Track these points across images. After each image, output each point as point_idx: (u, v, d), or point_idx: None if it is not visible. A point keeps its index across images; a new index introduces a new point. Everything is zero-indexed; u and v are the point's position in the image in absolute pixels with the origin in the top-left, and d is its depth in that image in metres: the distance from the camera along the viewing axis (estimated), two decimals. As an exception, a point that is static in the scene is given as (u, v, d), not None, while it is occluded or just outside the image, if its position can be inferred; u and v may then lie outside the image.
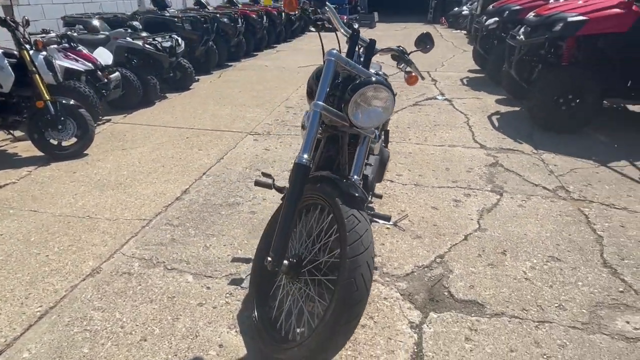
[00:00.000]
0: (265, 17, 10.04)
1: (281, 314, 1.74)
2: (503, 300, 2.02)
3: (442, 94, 6.04)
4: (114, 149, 3.97)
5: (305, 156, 1.63)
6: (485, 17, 6.95)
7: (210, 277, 2.20)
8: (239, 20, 8.40)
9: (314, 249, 1.67)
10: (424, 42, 2.14)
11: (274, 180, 2.33)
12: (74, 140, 3.74)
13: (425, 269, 2.27)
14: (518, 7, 6.16)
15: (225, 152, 3.89)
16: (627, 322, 1.89)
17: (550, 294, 2.06)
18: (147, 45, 5.31)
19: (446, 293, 2.08)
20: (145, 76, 5.23)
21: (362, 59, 1.94)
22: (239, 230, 2.62)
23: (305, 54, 10.05)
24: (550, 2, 5.95)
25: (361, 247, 1.40)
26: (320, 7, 1.84)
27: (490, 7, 7.06)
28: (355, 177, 1.85)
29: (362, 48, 1.97)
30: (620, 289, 2.10)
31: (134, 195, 3.07)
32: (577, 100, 4.20)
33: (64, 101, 3.64)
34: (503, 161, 3.68)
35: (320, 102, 1.68)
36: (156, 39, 5.52)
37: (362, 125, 1.73)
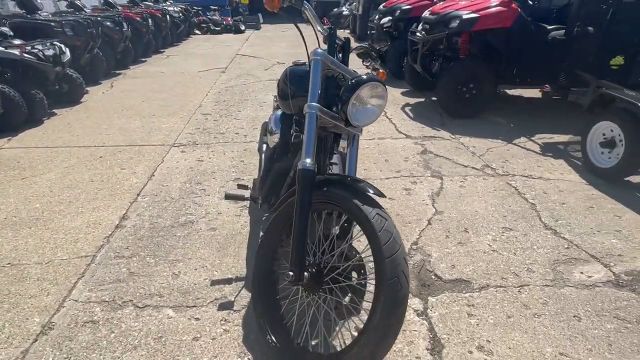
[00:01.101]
0: (150, 20, 9.29)
1: (302, 329, 1.65)
2: (483, 274, 2.20)
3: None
4: (11, 179, 3.30)
5: (309, 161, 1.56)
6: (377, 16, 7.42)
7: (194, 306, 1.98)
8: (124, 23, 7.63)
9: (330, 255, 1.62)
10: (385, 40, 2.20)
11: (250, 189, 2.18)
12: (-45, 174, 3.02)
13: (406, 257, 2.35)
14: (408, 7, 6.70)
15: (153, 168, 3.52)
16: (582, 273, 2.22)
17: (517, 260, 2.31)
18: (26, 55, 4.51)
19: (434, 276, 2.19)
20: (29, 91, 4.44)
21: (338, 58, 1.93)
22: (206, 251, 2.40)
23: (200, 58, 9.56)
24: (435, 0, 6.62)
25: (396, 244, 1.39)
26: (300, 7, 1.78)
27: (381, 6, 7.56)
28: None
29: (337, 46, 1.95)
30: (566, 246, 2.45)
31: (60, 230, 2.60)
32: (477, 88, 4.75)
33: None
34: (431, 148, 3.99)
35: (315, 104, 1.63)
36: (36, 46, 4.72)
37: (360, 124, 1.72)
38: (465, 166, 3.57)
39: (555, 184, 3.22)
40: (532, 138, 4.24)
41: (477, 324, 1.86)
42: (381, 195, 1.54)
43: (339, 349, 1.66)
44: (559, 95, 4.14)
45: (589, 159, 3.42)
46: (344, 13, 16.53)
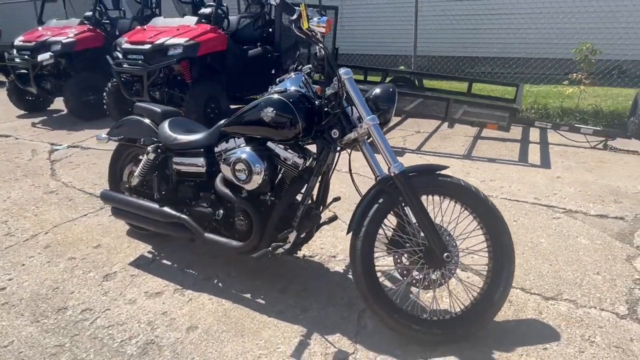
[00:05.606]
0: None
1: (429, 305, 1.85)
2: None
3: (60, 144, 4.96)
4: None
5: (398, 164, 1.76)
6: (18, 54, 5.99)
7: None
8: None
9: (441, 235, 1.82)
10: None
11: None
12: None
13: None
14: (71, 40, 5.84)
15: None
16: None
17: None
18: None
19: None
20: None
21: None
22: (211, 350, 1.83)
23: None
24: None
25: (489, 199, 1.84)
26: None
27: (19, 42, 6.12)
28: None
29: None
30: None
31: None
32: (217, 107, 5.08)
33: None
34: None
35: (374, 115, 1.80)
36: None
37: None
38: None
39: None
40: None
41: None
42: (445, 167, 1.85)
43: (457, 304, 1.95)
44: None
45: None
46: None
